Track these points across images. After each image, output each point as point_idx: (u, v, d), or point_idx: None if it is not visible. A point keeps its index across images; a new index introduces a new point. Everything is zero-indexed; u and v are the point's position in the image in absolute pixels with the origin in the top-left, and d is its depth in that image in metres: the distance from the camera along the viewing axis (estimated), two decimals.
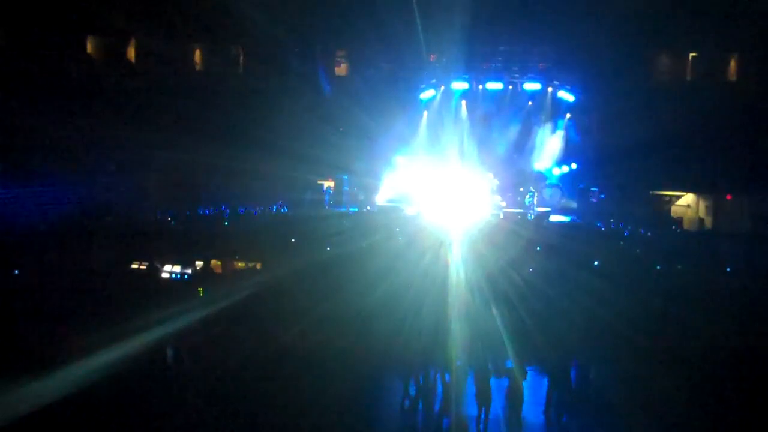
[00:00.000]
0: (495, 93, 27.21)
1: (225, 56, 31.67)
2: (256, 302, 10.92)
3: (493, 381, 8.18)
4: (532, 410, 8.31)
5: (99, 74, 29.13)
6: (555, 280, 11.87)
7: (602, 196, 26.75)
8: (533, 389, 8.50)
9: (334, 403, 8.74)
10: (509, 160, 28.45)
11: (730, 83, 26.24)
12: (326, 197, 27.36)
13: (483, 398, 7.98)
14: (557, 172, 28.12)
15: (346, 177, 28.28)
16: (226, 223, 19.77)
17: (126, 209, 21.69)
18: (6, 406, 7.52)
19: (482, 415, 7.97)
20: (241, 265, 13.93)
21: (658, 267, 13.12)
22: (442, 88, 27.59)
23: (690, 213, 26.33)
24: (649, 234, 20.06)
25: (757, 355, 9.90)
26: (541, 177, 27.89)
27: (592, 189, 27.10)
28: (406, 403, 8.61)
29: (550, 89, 26.73)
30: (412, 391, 8.62)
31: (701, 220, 24.72)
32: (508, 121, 28.08)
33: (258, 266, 13.58)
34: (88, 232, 17.50)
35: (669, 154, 25.43)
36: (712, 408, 7.37)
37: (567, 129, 28.08)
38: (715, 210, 24.74)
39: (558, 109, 27.52)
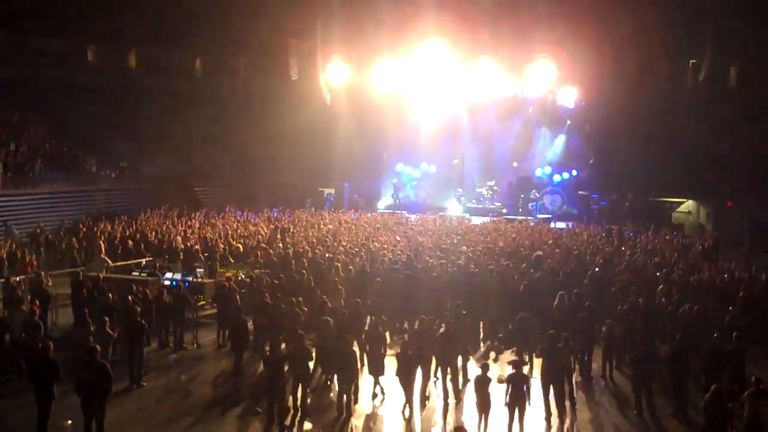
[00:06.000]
0: (496, 99, 27.14)
1: (225, 65, 32.02)
2: (258, 305, 10.97)
3: (494, 384, 8.19)
4: (534, 413, 8.32)
5: (100, 79, 29.39)
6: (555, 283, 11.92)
7: (603, 202, 26.78)
8: (535, 391, 8.50)
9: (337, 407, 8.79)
10: (510, 166, 28.49)
11: (731, 90, 26.34)
12: (327, 203, 27.41)
13: (484, 402, 7.99)
14: (558, 178, 28.17)
15: (347, 184, 28.37)
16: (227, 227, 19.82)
17: (128, 214, 21.76)
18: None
19: (484, 419, 7.99)
20: (242, 271, 14.00)
21: (657, 273, 13.17)
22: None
23: (691, 219, 26.36)
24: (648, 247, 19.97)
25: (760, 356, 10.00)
26: (541, 183, 27.90)
27: (593, 195, 27.14)
28: (407, 409, 8.62)
29: (551, 96, 26.64)
30: (413, 396, 8.63)
31: (702, 227, 24.73)
32: (509, 127, 28.15)
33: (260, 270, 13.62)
34: (89, 237, 17.60)
35: (670, 160, 25.49)
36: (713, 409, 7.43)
37: (568, 135, 28.16)
38: (715, 216, 24.75)
39: (559, 115, 27.58)
